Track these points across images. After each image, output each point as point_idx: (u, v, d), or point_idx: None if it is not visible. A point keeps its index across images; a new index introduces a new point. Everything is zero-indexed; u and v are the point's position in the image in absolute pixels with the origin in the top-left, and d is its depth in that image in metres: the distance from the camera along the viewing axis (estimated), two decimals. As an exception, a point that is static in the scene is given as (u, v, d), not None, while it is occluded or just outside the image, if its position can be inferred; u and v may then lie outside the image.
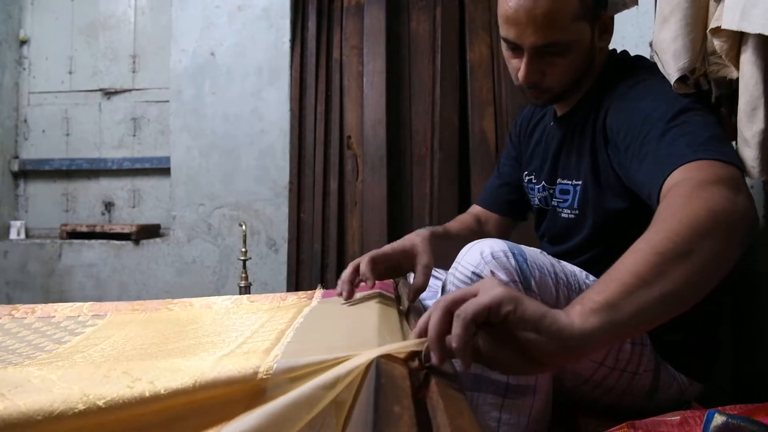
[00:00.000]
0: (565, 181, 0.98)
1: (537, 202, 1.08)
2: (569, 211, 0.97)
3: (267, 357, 0.51)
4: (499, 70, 2.26)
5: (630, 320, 0.52)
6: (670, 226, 0.57)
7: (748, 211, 0.61)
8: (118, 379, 0.49)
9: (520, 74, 0.89)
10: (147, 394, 0.46)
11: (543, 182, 1.04)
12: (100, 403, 0.46)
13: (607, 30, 0.93)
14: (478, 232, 1.10)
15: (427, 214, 2.33)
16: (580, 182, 0.94)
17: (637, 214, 0.77)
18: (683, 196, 0.61)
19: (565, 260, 0.88)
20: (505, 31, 0.87)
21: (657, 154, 0.72)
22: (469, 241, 0.93)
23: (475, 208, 1.19)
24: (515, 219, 1.19)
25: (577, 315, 0.51)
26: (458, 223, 1.12)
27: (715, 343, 0.94)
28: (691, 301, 0.57)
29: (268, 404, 0.47)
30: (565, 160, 0.98)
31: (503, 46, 0.92)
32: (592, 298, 0.53)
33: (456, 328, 0.49)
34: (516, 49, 0.88)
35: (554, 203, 1.01)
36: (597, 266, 0.89)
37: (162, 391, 0.47)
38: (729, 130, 0.87)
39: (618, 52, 0.98)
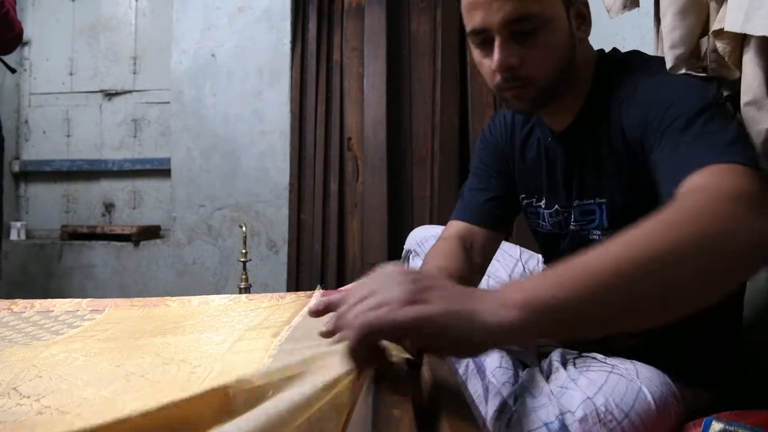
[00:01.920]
0: (586, 201, 0.89)
1: (549, 227, 0.97)
2: (599, 232, 0.88)
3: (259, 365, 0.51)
4: (500, 72, 2.26)
5: (572, 322, 0.48)
6: (667, 236, 0.50)
7: (764, 237, 0.53)
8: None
9: (494, 61, 0.78)
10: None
11: (555, 206, 0.94)
12: None
13: (584, 19, 0.85)
14: (468, 261, 0.94)
15: (428, 216, 2.33)
16: (604, 200, 0.86)
17: None
18: (697, 205, 0.54)
19: None
20: (471, 20, 0.78)
21: (677, 149, 0.67)
22: (469, 276, 0.87)
23: (456, 226, 1.01)
24: (503, 235, 1.04)
25: (515, 307, 0.47)
26: (452, 261, 0.91)
27: (729, 352, 0.91)
28: (657, 319, 0.51)
29: (264, 405, 0.46)
30: (579, 179, 0.88)
31: (473, 46, 0.82)
32: (541, 285, 0.48)
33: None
34: (486, 42, 0.79)
35: (575, 227, 0.92)
36: None
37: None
38: None
39: (606, 51, 0.90)
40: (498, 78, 0.80)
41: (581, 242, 0.89)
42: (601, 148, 0.84)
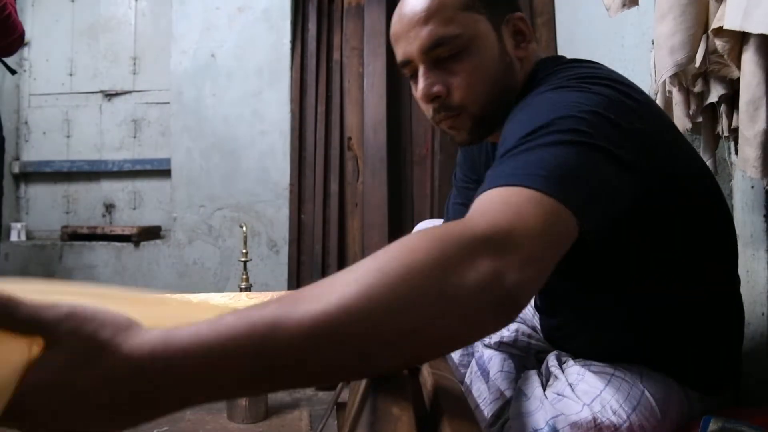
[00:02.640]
0: None
1: None
2: None
3: None
4: (500, 71, 2.26)
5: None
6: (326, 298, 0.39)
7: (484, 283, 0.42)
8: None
9: (419, 92, 0.74)
10: None
11: None
12: None
13: (524, 36, 0.77)
14: None
15: (428, 215, 2.33)
16: None
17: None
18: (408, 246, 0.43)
19: None
20: (397, 53, 0.76)
21: (487, 177, 0.56)
22: None
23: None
24: None
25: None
26: None
27: (733, 359, 0.90)
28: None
29: None
30: None
31: (410, 81, 0.78)
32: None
33: None
34: (415, 74, 0.75)
35: None
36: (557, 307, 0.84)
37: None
38: (710, 140, 0.85)
39: (547, 58, 0.80)
40: (430, 111, 0.76)
41: None
42: None
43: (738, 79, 0.70)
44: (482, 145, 0.93)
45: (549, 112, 0.60)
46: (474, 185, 0.98)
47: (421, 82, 0.73)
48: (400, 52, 0.75)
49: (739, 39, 0.69)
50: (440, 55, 0.72)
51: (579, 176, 0.53)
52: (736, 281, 0.80)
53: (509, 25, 0.76)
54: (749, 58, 0.67)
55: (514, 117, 0.66)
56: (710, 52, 0.76)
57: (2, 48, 1.79)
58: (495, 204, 0.49)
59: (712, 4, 0.73)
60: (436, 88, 0.73)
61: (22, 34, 1.80)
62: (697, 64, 0.78)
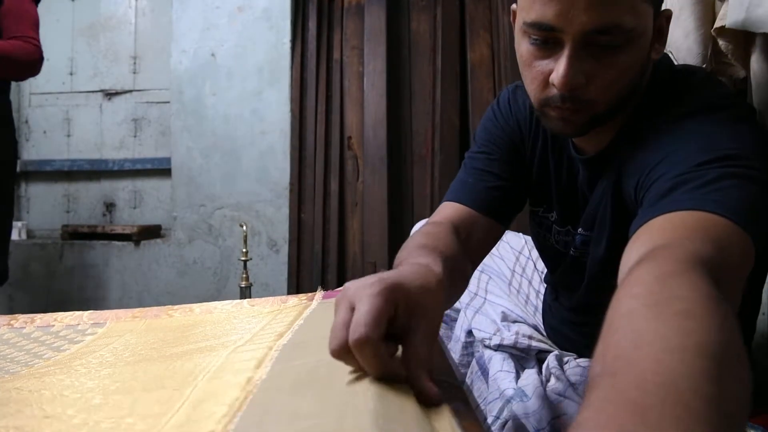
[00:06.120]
0: (586, 233, 0.78)
1: (554, 243, 0.86)
2: (596, 267, 0.79)
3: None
4: (500, 71, 2.25)
5: None
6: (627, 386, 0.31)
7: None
8: None
9: (557, 76, 0.60)
10: None
11: (568, 226, 0.82)
12: None
13: (662, 36, 0.67)
14: (462, 250, 0.73)
15: (428, 215, 2.32)
16: (604, 237, 0.74)
17: None
18: (645, 305, 0.37)
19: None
20: (537, 11, 0.60)
21: (654, 200, 0.55)
22: (463, 267, 0.72)
23: (453, 210, 0.82)
24: (504, 229, 0.86)
25: None
26: (443, 244, 0.69)
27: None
28: None
29: None
30: (591, 207, 0.76)
31: (526, 42, 0.64)
32: None
33: None
34: (550, 43, 0.61)
35: (574, 253, 0.81)
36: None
37: None
38: None
39: (660, 61, 0.71)
40: (552, 92, 0.63)
41: (580, 268, 0.81)
42: (609, 183, 0.71)
43: (743, 78, 0.70)
44: (538, 133, 0.82)
45: (726, 142, 0.58)
46: (500, 155, 0.84)
47: (566, 66, 0.60)
48: (550, 14, 0.59)
49: (742, 38, 0.69)
50: (599, 41, 0.60)
51: (759, 213, 0.54)
52: (757, 307, 0.80)
53: (658, 21, 0.66)
54: (756, 57, 0.66)
55: (675, 137, 0.61)
56: (715, 52, 0.76)
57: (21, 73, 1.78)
58: (697, 231, 0.49)
59: (717, 3, 0.73)
60: (580, 79, 0.61)
61: (40, 57, 1.78)
62: (704, 65, 0.77)
